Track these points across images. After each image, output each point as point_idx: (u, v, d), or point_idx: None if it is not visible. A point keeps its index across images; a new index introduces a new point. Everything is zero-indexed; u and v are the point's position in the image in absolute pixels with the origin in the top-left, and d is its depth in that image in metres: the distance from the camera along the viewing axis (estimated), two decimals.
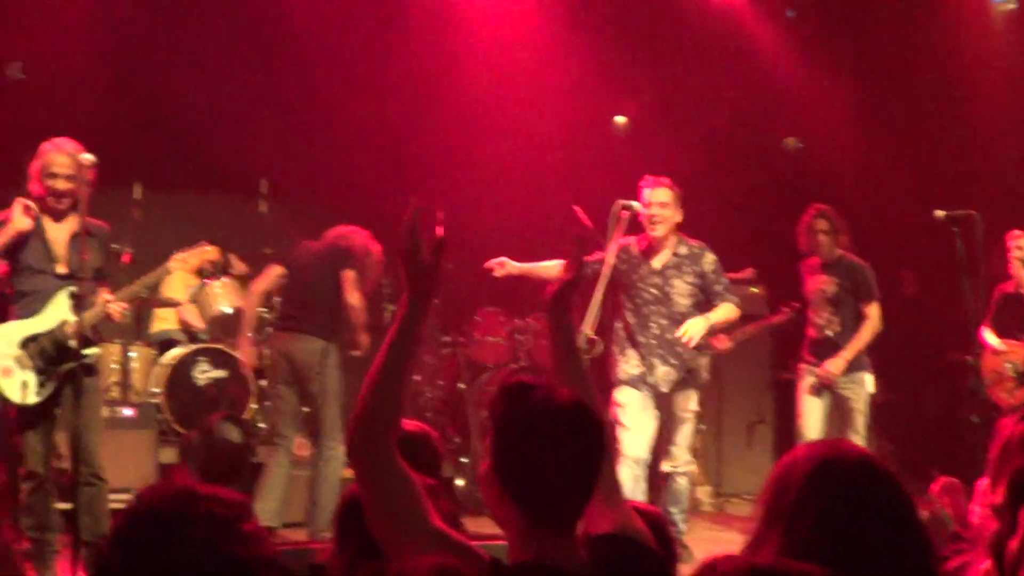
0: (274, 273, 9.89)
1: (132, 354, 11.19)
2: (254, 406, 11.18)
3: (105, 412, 9.78)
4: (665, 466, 8.92)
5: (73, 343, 7.56)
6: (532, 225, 12.36)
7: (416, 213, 3.32)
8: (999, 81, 12.79)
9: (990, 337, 10.04)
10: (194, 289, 11.57)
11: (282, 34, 12.40)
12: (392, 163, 13.01)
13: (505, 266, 9.06)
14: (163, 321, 12.14)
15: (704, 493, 11.59)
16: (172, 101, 12.13)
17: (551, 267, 8.91)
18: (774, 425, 12.22)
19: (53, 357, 7.58)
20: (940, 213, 8.61)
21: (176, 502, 2.27)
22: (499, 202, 12.81)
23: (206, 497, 2.28)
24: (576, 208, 9.16)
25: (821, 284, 9.81)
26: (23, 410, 7.61)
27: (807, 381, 9.80)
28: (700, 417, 10.34)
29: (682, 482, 8.94)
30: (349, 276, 9.58)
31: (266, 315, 11.11)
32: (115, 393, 10.71)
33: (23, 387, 7.54)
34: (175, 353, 11.10)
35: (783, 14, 13.53)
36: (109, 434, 8.44)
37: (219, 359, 11.07)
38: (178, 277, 10.71)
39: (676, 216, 8.87)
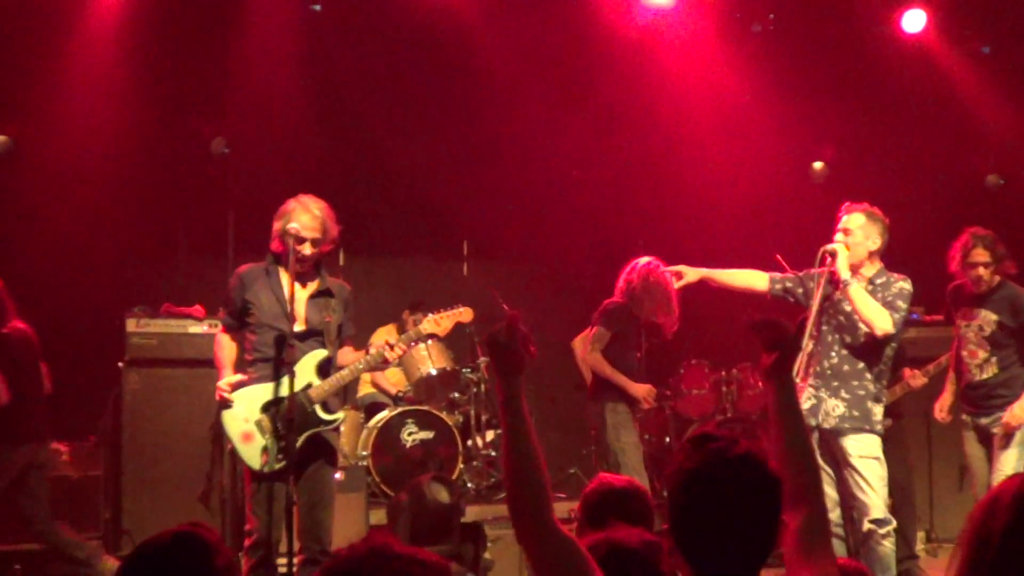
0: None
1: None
2: (461, 466, 11.22)
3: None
4: (865, 524, 8.02)
5: (316, 408, 7.53)
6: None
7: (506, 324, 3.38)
8: None
9: None
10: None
11: (485, 95, 12.51)
12: (590, 218, 13.00)
13: (683, 276, 8.64)
14: (368, 385, 12.29)
15: (917, 539, 11.24)
16: (372, 168, 12.31)
17: (737, 275, 8.67)
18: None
19: (295, 423, 7.26)
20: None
21: (371, 560, 2.24)
22: (698, 247, 12.70)
23: (402, 556, 2.26)
24: (778, 257, 9.04)
25: (977, 319, 9.12)
26: (256, 477, 7.40)
27: (968, 435, 9.20)
28: (906, 461, 10.06)
29: (886, 545, 8.02)
30: (589, 333, 9.53)
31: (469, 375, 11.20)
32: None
33: (264, 452, 7.38)
34: (382, 416, 11.19)
35: (979, 51, 13.23)
36: None
37: (426, 420, 11.13)
38: (381, 335, 10.79)
39: (868, 242, 8.25)
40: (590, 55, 12.65)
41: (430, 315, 7.99)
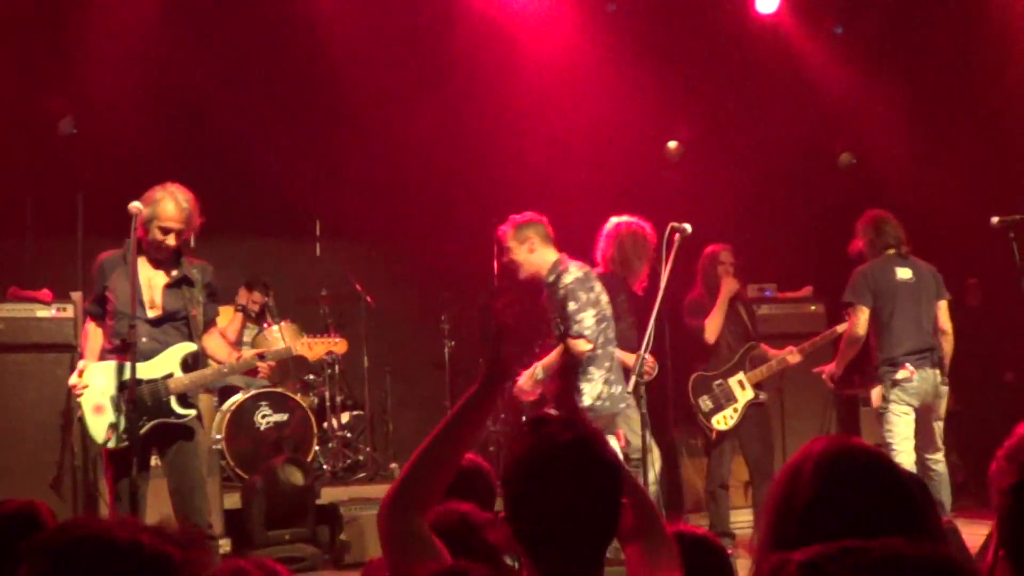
0: None
1: None
2: (317, 448, 11.17)
3: None
4: None
5: (172, 401, 7.46)
6: (586, 250, 12.32)
7: (486, 309, 3.31)
8: None
9: None
10: (253, 335, 11.63)
11: (333, 76, 12.41)
12: (444, 198, 12.99)
13: None
14: None
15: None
16: (221, 148, 12.16)
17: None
18: None
19: (146, 408, 7.32)
20: (995, 220, 8.52)
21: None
22: (557, 232, 12.76)
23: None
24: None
25: None
26: (113, 456, 7.34)
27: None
28: (765, 439, 10.23)
29: None
30: None
31: None
32: None
33: (110, 428, 7.28)
34: (236, 398, 11.09)
35: (831, 31, 13.45)
36: None
37: (280, 402, 11.06)
38: (223, 319, 10.70)
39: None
40: (444, 33, 12.62)
41: (304, 338, 8.07)
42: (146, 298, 7.50)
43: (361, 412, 12.10)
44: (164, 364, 7.46)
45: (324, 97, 12.69)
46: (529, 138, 12.80)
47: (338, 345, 8.34)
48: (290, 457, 10.30)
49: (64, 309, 10.31)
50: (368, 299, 11.98)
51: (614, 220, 9.53)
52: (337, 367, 11.69)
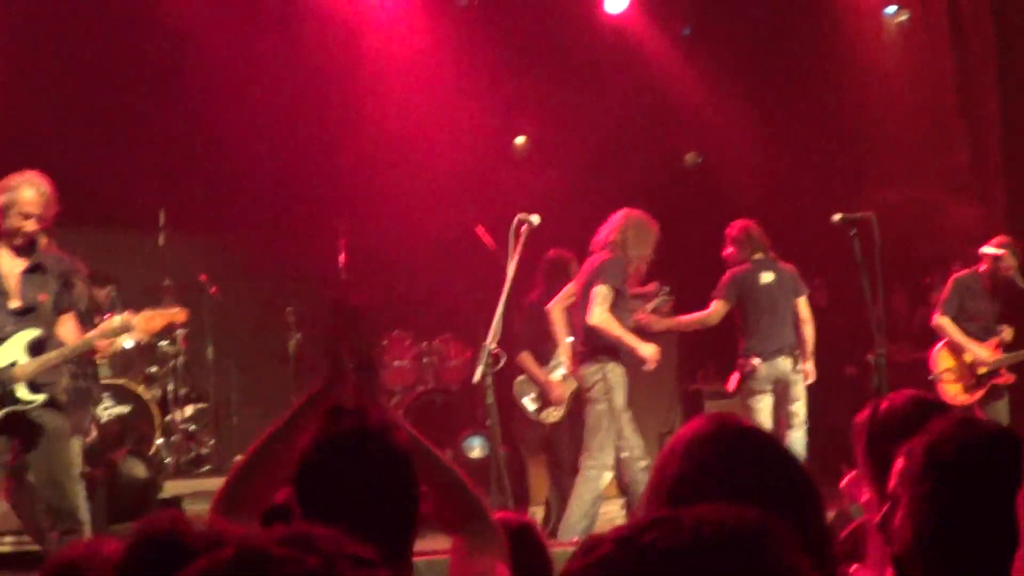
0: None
1: None
2: (159, 441, 11.01)
3: None
4: None
5: (18, 388, 7.26)
6: (437, 247, 12.34)
7: (334, 306, 3.23)
8: (891, 88, 13.01)
9: (951, 329, 10.11)
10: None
11: (177, 65, 12.27)
12: (290, 191, 12.91)
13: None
14: None
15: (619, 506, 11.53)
16: (61, 140, 11.93)
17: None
18: None
19: None
20: (837, 217, 8.71)
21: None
22: (402, 225, 12.75)
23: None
24: (479, 229, 9.13)
25: None
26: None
27: None
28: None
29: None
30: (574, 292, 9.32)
31: None
32: None
33: None
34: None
35: (679, 32, 13.62)
36: None
37: (122, 395, 10.88)
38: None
39: None
40: (291, 28, 12.55)
41: (145, 311, 7.88)
42: (8, 287, 7.35)
43: (205, 405, 11.98)
44: (7, 352, 7.27)
45: (167, 88, 12.53)
46: (376, 132, 12.77)
47: (177, 315, 8.19)
48: (132, 450, 10.15)
49: None
50: (212, 290, 11.85)
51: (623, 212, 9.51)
52: (181, 358, 11.55)
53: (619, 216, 9.30)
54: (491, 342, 7.98)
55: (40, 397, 7.42)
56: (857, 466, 3.54)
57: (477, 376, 8.10)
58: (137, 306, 11.45)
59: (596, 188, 13.10)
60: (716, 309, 9.89)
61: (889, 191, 12.17)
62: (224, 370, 12.23)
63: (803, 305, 9.92)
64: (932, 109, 12.98)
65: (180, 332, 11.48)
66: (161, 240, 11.73)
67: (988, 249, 10.07)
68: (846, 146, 13.06)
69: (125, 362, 11.30)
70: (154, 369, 11.60)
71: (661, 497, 2.59)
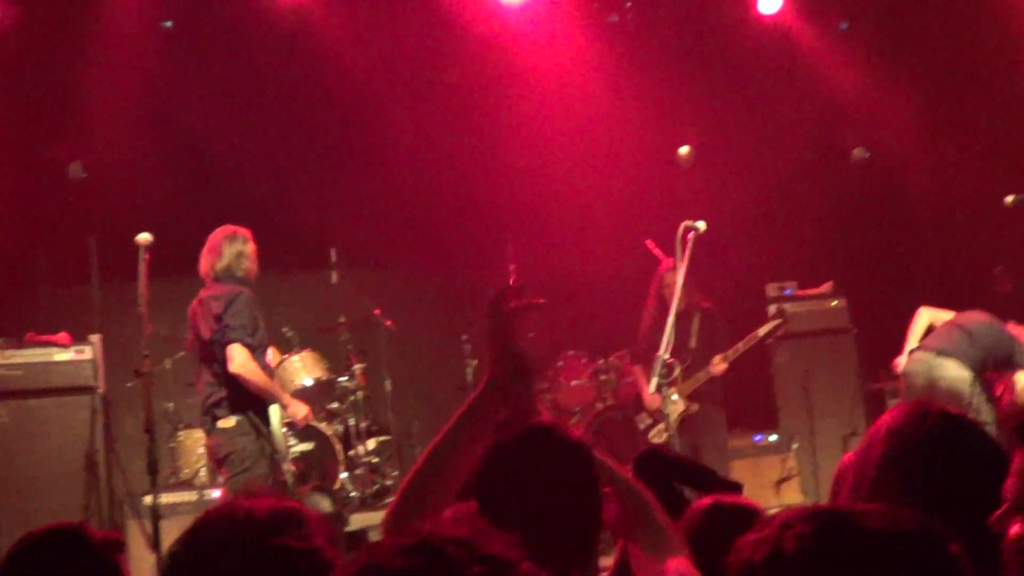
0: None
1: None
2: (344, 475, 11.11)
3: (195, 495, 9.78)
4: None
5: None
6: (606, 263, 12.29)
7: (498, 295, 3.17)
8: None
9: None
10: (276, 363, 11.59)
11: (340, 103, 12.44)
12: (456, 219, 12.97)
13: None
14: None
15: None
16: (230, 183, 12.16)
17: None
18: None
19: None
20: (1010, 199, 8.46)
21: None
22: (570, 244, 12.74)
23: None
24: (649, 242, 9.04)
25: None
26: None
27: None
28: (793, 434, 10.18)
29: None
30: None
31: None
32: (204, 476, 10.65)
33: None
34: None
35: (836, 27, 13.40)
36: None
37: (305, 432, 10.99)
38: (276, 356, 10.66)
39: None
40: (449, 55, 12.65)
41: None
42: None
43: (387, 438, 12.04)
44: None
45: (332, 126, 12.70)
46: (542, 154, 12.77)
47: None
48: (317, 486, 10.25)
49: (82, 351, 10.24)
50: (387, 324, 11.93)
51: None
52: (360, 393, 11.63)
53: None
54: (664, 352, 7.88)
55: None
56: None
57: (652, 387, 8.04)
58: (315, 345, 11.65)
59: (763, 192, 12.96)
60: None
61: None
62: (403, 401, 12.28)
63: None
64: None
65: (358, 367, 11.58)
66: (334, 278, 11.84)
67: None
68: (1012, 128, 12.69)
69: (306, 400, 11.42)
70: (335, 405, 11.70)
71: (865, 482, 2.59)
